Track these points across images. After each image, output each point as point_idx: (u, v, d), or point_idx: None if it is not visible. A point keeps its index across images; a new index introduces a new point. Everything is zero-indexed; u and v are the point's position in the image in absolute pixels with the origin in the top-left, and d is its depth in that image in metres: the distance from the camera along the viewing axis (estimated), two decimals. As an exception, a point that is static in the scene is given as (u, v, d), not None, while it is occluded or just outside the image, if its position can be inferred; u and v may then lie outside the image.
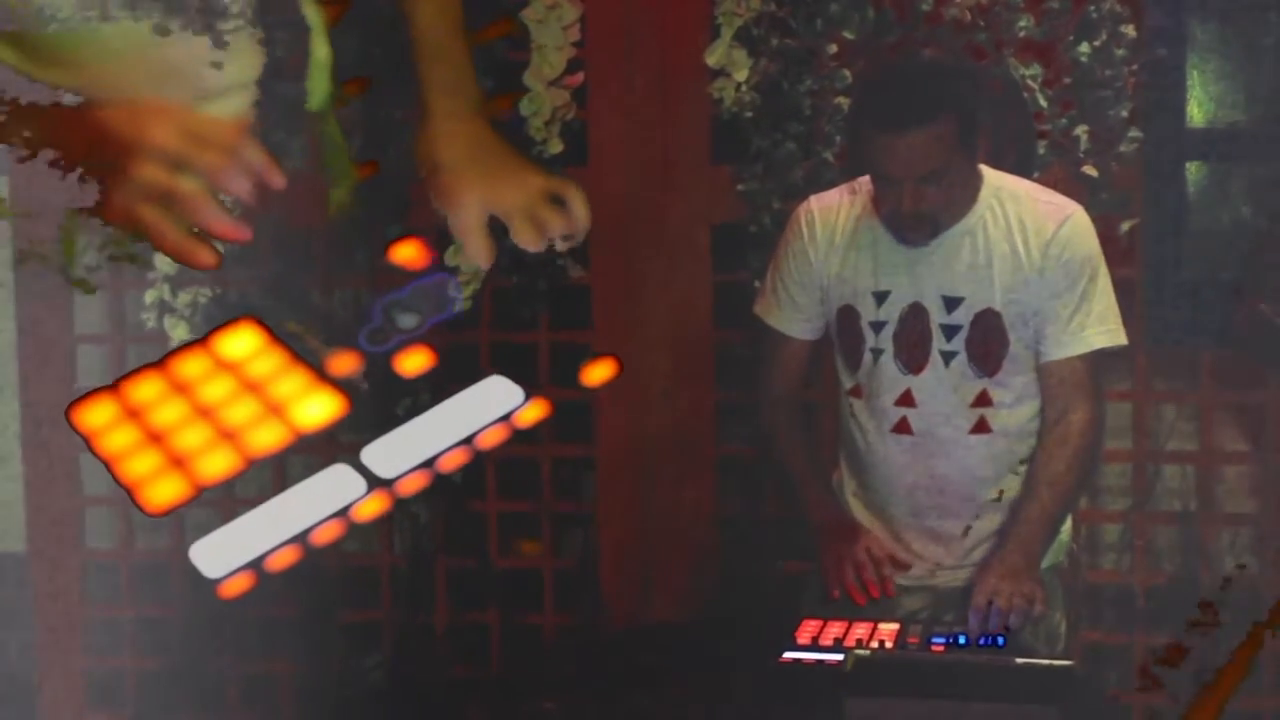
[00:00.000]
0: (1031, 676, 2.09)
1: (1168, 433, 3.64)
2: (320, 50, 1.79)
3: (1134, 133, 3.34)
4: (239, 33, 1.67)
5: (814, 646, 2.48)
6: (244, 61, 1.72)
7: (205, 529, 3.75)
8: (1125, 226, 3.35)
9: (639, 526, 3.68)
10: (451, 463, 1.18)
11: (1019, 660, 2.21)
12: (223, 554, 1.16)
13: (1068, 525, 2.88)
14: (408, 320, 1.25)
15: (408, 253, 1.28)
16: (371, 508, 1.17)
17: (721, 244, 3.59)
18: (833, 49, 3.40)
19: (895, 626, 2.58)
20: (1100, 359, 2.76)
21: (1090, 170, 3.33)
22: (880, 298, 2.76)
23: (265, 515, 1.17)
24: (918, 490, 2.82)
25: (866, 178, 2.75)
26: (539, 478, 3.76)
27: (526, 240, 1.59)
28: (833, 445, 3.07)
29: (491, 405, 1.20)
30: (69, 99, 1.47)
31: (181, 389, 1.24)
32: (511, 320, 3.64)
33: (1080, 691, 2.12)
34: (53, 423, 3.96)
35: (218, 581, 1.15)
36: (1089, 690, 2.26)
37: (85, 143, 1.36)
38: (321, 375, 1.24)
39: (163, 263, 3.74)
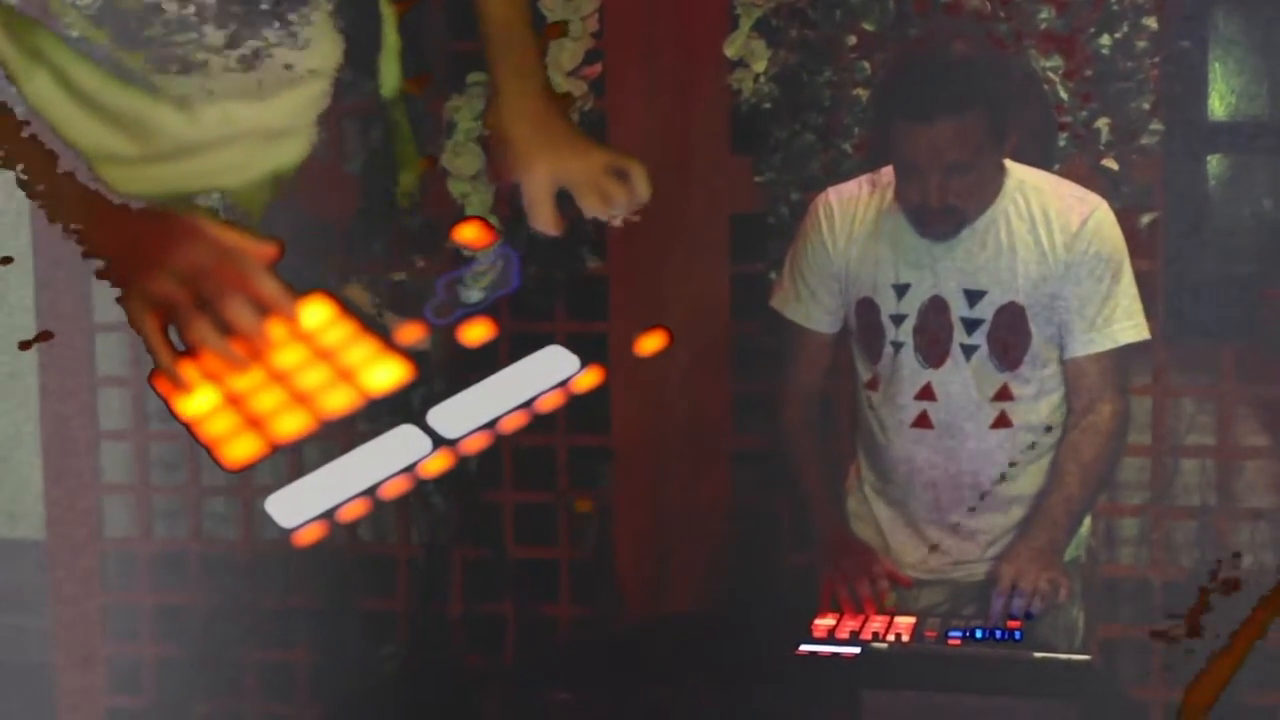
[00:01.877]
0: (1050, 672, 2.08)
1: (1186, 427, 3.63)
2: (391, 37, 1.88)
3: (1155, 125, 3.32)
4: (319, 20, 1.74)
5: (830, 639, 2.48)
6: (324, 49, 1.78)
7: (222, 519, 3.76)
8: (1146, 220, 3.34)
9: (655, 518, 3.68)
10: (512, 424, 1.26)
11: (1037, 655, 2.20)
12: (297, 505, 1.22)
13: (1086, 520, 2.87)
14: (472, 295, 1.33)
15: (470, 233, 1.38)
16: (437, 465, 1.25)
17: (740, 235, 3.58)
18: (852, 40, 3.40)
19: (912, 620, 2.58)
20: (1126, 354, 2.75)
21: (1111, 163, 3.32)
22: (901, 290, 2.75)
23: (336, 470, 1.24)
24: (938, 484, 2.81)
25: (887, 169, 2.74)
26: (555, 468, 3.76)
27: (593, 209, 1.68)
28: (849, 439, 3.07)
29: (550, 372, 1.28)
30: (110, 193, 1.50)
31: (253, 357, 1.33)
32: (529, 310, 3.64)
33: (1098, 688, 2.11)
34: (72, 410, 3.98)
35: (293, 530, 1.21)
36: (1107, 686, 2.24)
37: (115, 242, 1.41)
38: (389, 344, 1.31)
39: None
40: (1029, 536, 2.70)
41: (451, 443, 1.25)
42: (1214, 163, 3.47)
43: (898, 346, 2.77)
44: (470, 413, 1.26)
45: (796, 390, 2.90)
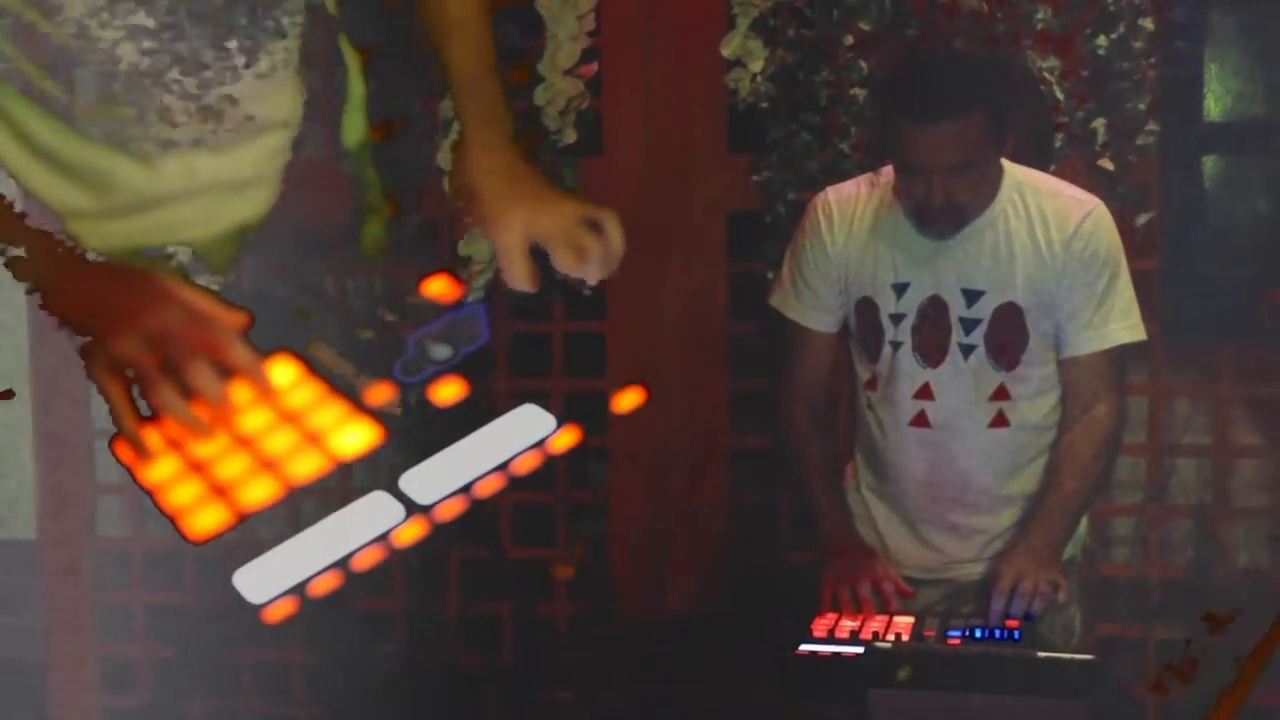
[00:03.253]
0: (1056, 670, 2.09)
1: (1183, 426, 3.64)
2: (357, 88, 1.86)
3: (1151, 126, 3.33)
4: (282, 72, 1.71)
5: (831, 639, 2.49)
6: (287, 100, 1.77)
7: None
8: (1142, 220, 3.35)
9: (652, 517, 3.68)
10: (488, 489, 1.22)
11: (1042, 654, 2.21)
12: (266, 580, 1.18)
13: (1084, 520, 2.87)
14: (440, 351, 1.29)
15: (439, 287, 1.33)
16: (410, 533, 1.20)
17: (737, 234, 3.58)
18: (849, 40, 3.40)
19: (911, 619, 2.59)
20: (1123, 353, 2.76)
21: (1107, 163, 3.32)
22: (900, 290, 2.75)
23: (306, 542, 1.19)
24: (935, 484, 2.81)
25: (887, 169, 2.74)
26: (552, 468, 3.75)
27: (566, 264, 1.62)
28: (847, 438, 3.07)
29: (524, 432, 1.24)
30: (81, 249, 1.50)
31: (219, 422, 1.27)
32: (526, 310, 3.64)
33: (1104, 687, 2.12)
34: (64, 409, 3.96)
35: (261, 607, 1.17)
36: (1111, 686, 2.25)
37: (80, 299, 1.37)
38: (358, 405, 1.28)
39: (175, 251, 3.74)
40: (1028, 537, 2.70)
41: (425, 509, 1.21)
42: (1210, 163, 3.48)
43: (896, 346, 2.77)
44: (444, 477, 1.22)
45: (798, 390, 2.90)
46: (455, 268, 3.62)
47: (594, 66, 3.57)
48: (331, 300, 3.82)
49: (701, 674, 2.57)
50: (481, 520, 3.79)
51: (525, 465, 1.24)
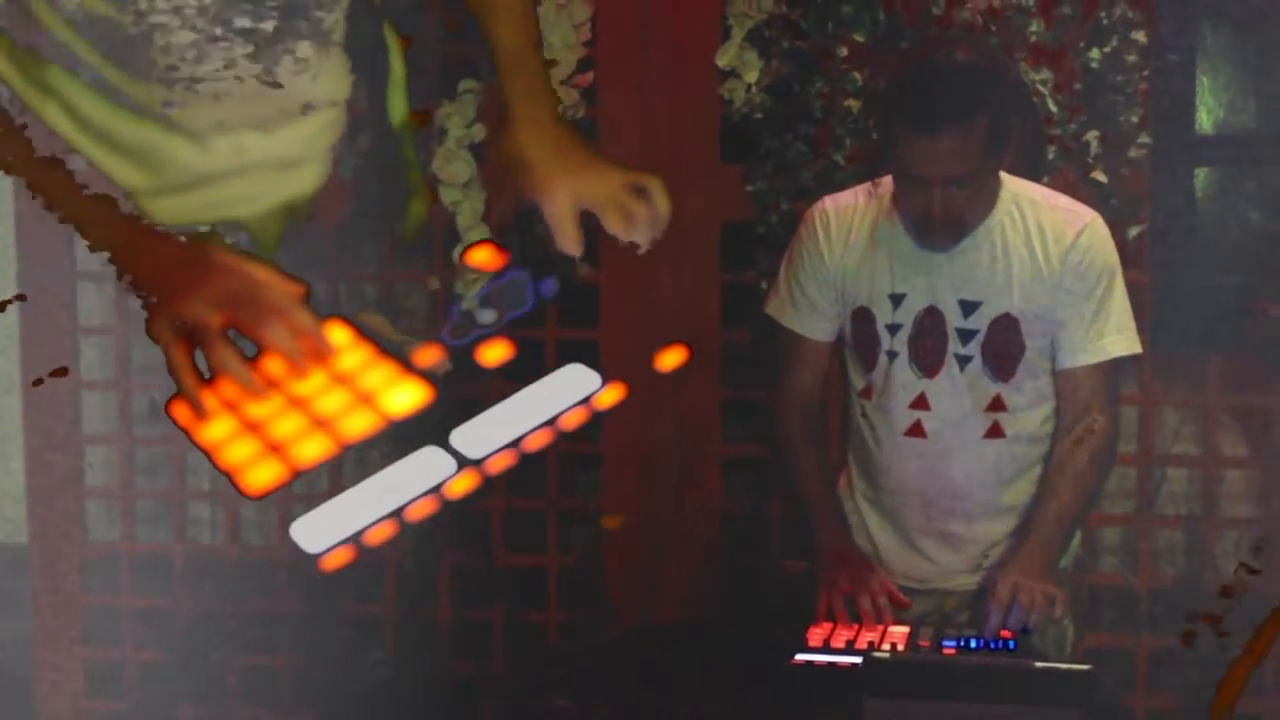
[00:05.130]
0: (1052, 680, 2.10)
1: (1172, 437, 3.66)
2: (398, 69, 1.91)
3: (1144, 138, 3.35)
4: (329, 51, 1.76)
5: (826, 648, 2.49)
6: (334, 80, 1.81)
7: (202, 523, 3.76)
8: (1134, 232, 3.37)
9: (644, 525, 3.68)
10: (536, 443, 1.26)
11: (1039, 664, 2.22)
12: (322, 530, 1.21)
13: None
14: (486, 316, 1.33)
15: (483, 256, 1.38)
16: (462, 485, 1.25)
17: (730, 244, 3.59)
18: (843, 51, 3.41)
19: (905, 629, 2.60)
20: (1117, 366, 2.77)
21: (1100, 175, 3.34)
22: (896, 300, 2.76)
23: (362, 493, 1.23)
24: (930, 494, 2.82)
25: (885, 179, 2.75)
26: (545, 475, 3.76)
27: (616, 229, 1.69)
28: (839, 446, 3.08)
29: (572, 389, 1.28)
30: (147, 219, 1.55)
31: (273, 384, 1.34)
32: (519, 318, 3.64)
33: (1099, 697, 2.13)
34: (55, 414, 3.96)
35: (318, 556, 1.20)
36: (1106, 695, 2.26)
37: (148, 266, 1.44)
38: (407, 367, 1.31)
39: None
40: (1023, 551, 2.71)
41: (476, 462, 1.25)
42: (1202, 175, 3.50)
43: (892, 356, 2.78)
44: (493, 432, 1.26)
45: (794, 399, 2.91)
46: (450, 275, 3.62)
47: (589, 76, 3.58)
48: (323, 306, 3.81)
49: (695, 683, 2.57)
50: (472, 527, 3.79)
51: (572, 421, 1.28)
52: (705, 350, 3.63)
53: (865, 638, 2.54)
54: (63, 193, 1.54)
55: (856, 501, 2.93)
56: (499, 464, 1.26)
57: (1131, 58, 3.34)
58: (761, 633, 2.66)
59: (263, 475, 1.29)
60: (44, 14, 1.68)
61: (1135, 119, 3.35)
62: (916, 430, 2.79)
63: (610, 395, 1.31)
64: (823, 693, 2.33)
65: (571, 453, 3.77)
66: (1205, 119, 3.47)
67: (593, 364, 1.34)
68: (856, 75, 3.42)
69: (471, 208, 3.55)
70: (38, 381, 2.80)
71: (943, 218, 2.63)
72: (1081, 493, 2.75)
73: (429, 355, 1.32)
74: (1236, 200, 3.58)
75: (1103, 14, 3.33)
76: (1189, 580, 3.54)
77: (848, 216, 2.82)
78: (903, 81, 2.81)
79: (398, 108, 1.95)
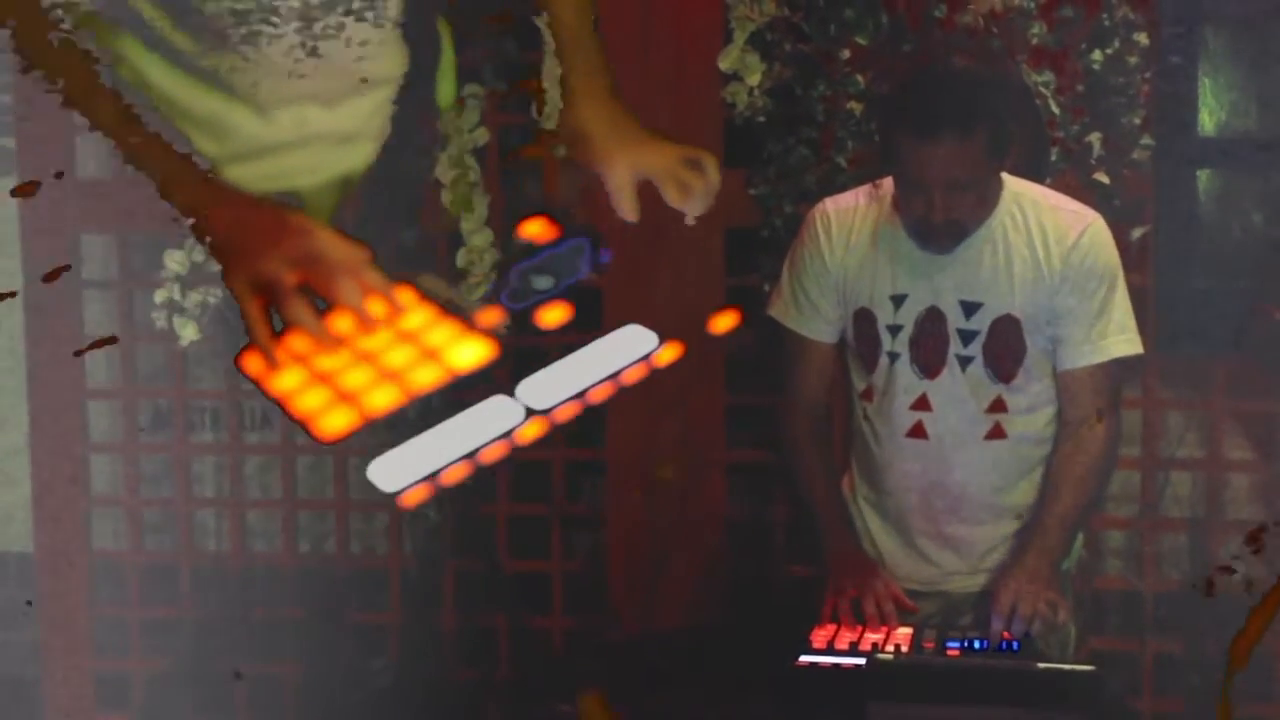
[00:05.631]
0: (1055, 682, 2.10)
1: (1176, 440, 3.65)
2: (449, 54, 1.98)
3: (1146, 140, 3.35)
4: (387, 31, 1.82)
5: (830, 650, 2.49)
6: (391, 59, 1.88)
7: (207, 531, 3.76)
8: (1137, 234, 3.36)
9: (648, 530, 3.68)
10: (599, 395, 1.34)
11: (1042, 666, 2.22)
12: (399, 470, 1.27)
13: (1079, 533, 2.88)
14: (542, 282, 1.42)
15: (536, 228, 1.45)
16: (531, 431, 1.30)
17: (733, 248, 3.59)
18: (846, 55, 3.41)
19: (909, 631, 2.59)
20: (1118, 367, 2.77)
21: (1102, 177, 3.34)
22: (897, 301, 2.76)
23: (436, 437, 1.28)
24: (932, 495, 2.82)
25: (886, 180, 2.76)
26: (549, 481, 3.76)
27: (673, 198, 1.80)
28: (844, 448, 3.08)
29: (632, 348, 1.37)
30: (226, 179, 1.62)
31: (343, 339, 1.40)
32: (522, 322, 3.64)
33: (1103, 698, 2.13)
34: (61, 422, 3.96)
35: (396, 494, 1.26)
36: (1110, 697, 2.26)
37: (228, 225, 1.50)
38: (470, 326, 1.38)
39: (172, 262, 3.74)
40: (1025, 556, 2.71)
41: (544, 412, 1.30)
42: (1204, 177, 3.49)
43: (894, 357, 2.78)
44: (558, 385, 1.32)
45: (799, 402, 2.90)
46: (454, 278, 3.62)
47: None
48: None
49: (699, 687, 2.57)
50: (477, 533, 3.80)
51: (633, 376, 1.35)
52: (709, 355, 3.63)
53: (869, 640, 2.53)
54: (149, 154, 1.60)
55: (858, 504, 2.93)
56: (564, 414, 1.32)
57: (1133, 60, 3.34)
58: (765, 637, 2.66)
59: (335, 422, 1.33)
60: None
61: (1137, 121, 3.35)
62: (918, 431, 2.79)
63: (668, 353, 1.38)
64: (827, 695, 2.33)
65: (575, 459, 3.77)
66: (1207, 121, 3.47)
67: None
68: (859, 78, 3.42)
69: (475, 212, 3.55)
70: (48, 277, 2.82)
71: (943, 221, 2.63)
72: (1083, 495, 2.75)
73: (490, 316, 1.38)
74: (1239, 202, 3.57)
75: (1104, 16, 3.33)
76: (1194, 584, 3.53)
77: (848, 218, 2.82)
78: (903, 86, 2.82)
79: (447, 90, 2.03)
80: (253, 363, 1.41)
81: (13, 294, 2.82)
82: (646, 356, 1.37)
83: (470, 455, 1.28)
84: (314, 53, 1.78)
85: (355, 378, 1.37)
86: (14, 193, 2.28)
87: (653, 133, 1.83)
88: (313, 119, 1.83)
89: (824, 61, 3.43)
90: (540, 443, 3.91)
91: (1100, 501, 3.02)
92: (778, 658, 2.44)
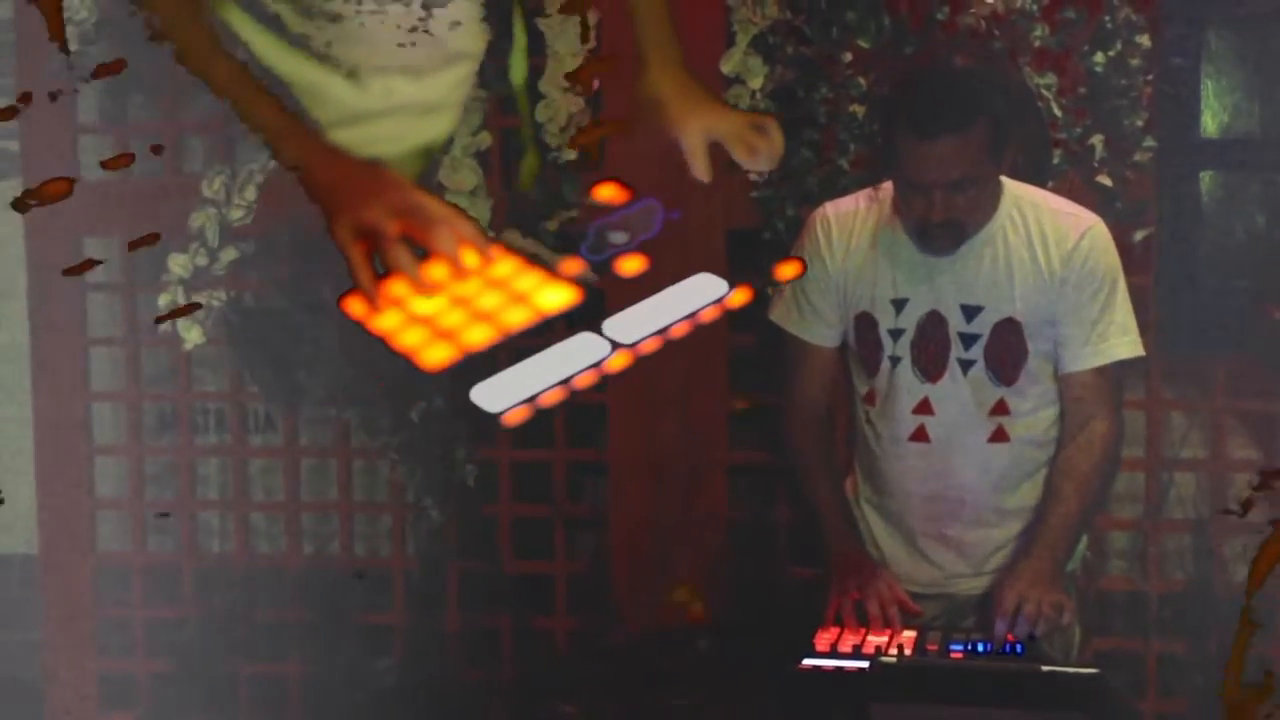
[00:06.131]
0: (1059, 684, 2.10)
1: (1180, 441, 3.65)
2: (520, 35, 2.09)
3: (1148, 142, 3.35)
4: (470, 8, 1.95)
5: (833, 653, 2.49)
6: (473, 35, 1.99)
7: (212, 532, 3.77)
8: (1139, 235, 3.36)
9: (651, 531, 3.69)
10: (679, 330, 1.47)
11: (1045, 668, 2.22)
12: (501, 393, 1.37)
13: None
14: (618, 237, 1.54)
15: (608, 192, 1.56)
16: (619, 362, 1.42)
17: (735, 250, 3.60)
18: (848, 57, 3.42)
19: (913, 634, 2.60)
20: (1120, 369, 2.77)
21: (1105, 179, 3.34)
22: (899, 305, 2.76)
23: (531, 366, 1.39)
24: (935, 498, 2.82)
25: (886, 184, 2.76)
26: (551, 482, 3.77)
27: (742, 157, 1.94)
28: (846, 451, 3.08)
29: (706, 292, 1.50)
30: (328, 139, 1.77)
31: (440, 284, 1.50)
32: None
33: (1107, 700, 2.13)
34: (65, 424, 3.97)
35: (499, 414, 1.36)
36: (1113, 699, 2.26)
37: (333, 176, 1.62)
38: (554, 275, 1.49)
39: (176, 265, 3.75)
40: (1029, 558, 2.71)
41: (630, 345, 1.42)
42: (1207, 179, 3.49)
43: (895, 361, 2.78)
44: (640, 323, 1.45)
45: (802, 406, 2.91)
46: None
47: (595, 82, 3.58)
48: (330, 310, 3.83)
49: (702, 688, 2.58)
50: (480, 534, 3.80)
51: (709, 315, 1.48)
52: (711, 356, 3.64)
53: (872, 642, 2.54)
54: (261, 112, 1.71)
55: (861, 506, 2.93)
56: (648, 347, 1.44)
57: (1136, 62, 3.34)
58: (769, 639, 2.66)
59: (437, 354, 1.42)
60: None
61: (1140, 123, 3.35)
62: (920, 435, 2.79)
63: (739, 296, 1.50)
64: (830, 697, 2.34)
65: (577, 459, 3.77)
66: (1210, 122, 3.47)
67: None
68: (861, 81, 3.42)
69: (477, 215, 3.56)
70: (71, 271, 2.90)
71: (943, 222, 2.63)
72: (1086, 497, 2.75)
73: (572, 265, 1.48)
74: (1242, 204, 3.57)
75: (1106, 18, 3.33)
76: (1198, 584, 3.53)
77: (849, 222, 2.82)
78: (901, 86, 2.82)
79: (519, 69, 2.15)
80: (355, 305, 1.50)
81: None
82: (720, 299, 1.48)
83: (565, 382, 1.38)
84: (424, 29, 1.91)
85: (452, 318, 1.46)
86: (25, 200, 2.31)
87: (721, 99, 1.99)
88: (400, 90, 1.94)
89: (826, 64, 3.43)
90: (542, 443, 3.91)
91: (1103, 502, 3.02)
92: (781, 660, 2.44)
